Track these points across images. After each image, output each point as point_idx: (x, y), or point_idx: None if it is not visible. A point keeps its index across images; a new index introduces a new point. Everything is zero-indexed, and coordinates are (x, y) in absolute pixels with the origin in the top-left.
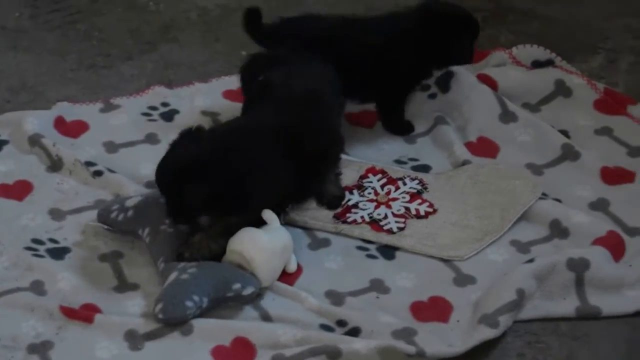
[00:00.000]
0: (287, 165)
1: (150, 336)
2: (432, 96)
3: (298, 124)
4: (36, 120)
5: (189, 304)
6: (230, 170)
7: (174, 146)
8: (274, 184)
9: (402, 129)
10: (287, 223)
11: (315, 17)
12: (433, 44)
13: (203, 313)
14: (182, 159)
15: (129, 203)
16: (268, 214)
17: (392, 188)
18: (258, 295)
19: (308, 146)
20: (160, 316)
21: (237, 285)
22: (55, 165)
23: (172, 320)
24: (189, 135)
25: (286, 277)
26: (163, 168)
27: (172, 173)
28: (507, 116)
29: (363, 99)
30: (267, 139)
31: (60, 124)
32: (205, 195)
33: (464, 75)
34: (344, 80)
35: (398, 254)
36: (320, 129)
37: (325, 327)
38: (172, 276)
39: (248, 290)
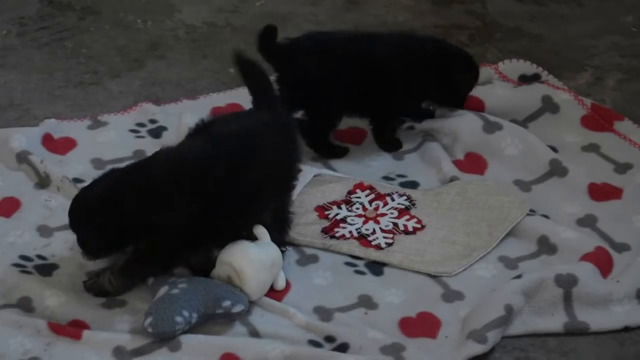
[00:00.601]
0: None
1: (139, 352)
2: (411, 128)
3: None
4: (24, 137)
5: (178, 319)
6: (116, 212)
7: (92, 183)
8: (179, 216)
9: (392, 145)
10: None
11: (330, 33)
12: (441, 76)
13: (191, 329)
14: (82, 198)
15: None
16: (259, 229)
17: (381, 204)
18: (246, 311)
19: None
20: (149, 330)
21: (227, 303)
22: (43, 182)
23: (161, 335)
24: (109, 173)
25: (274, 293)
26: (71, 204)
27: (72, 211)
28: (490, 126)
29: (362, 113)
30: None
31: (48, 141)
32: (93, 236)
33: None
34: (350, 94)
35: (386, 270)
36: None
37: (314, 343)
38: (162, 290)
39: (238, 308)
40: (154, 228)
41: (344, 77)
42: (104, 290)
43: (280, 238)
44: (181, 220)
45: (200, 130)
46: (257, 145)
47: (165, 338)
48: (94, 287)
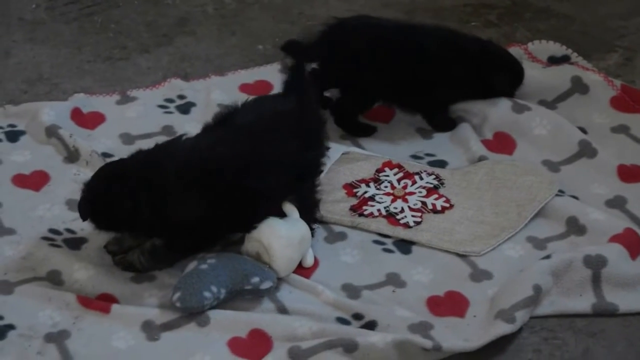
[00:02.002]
0: (199, 193)
1: (167, 327)
2: None
3: (225, 158)
4: (53, 112)
5: (206, 294)
6: (135, 208)
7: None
8: (192, 211)
9: (445, 126)
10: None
11: (378, 19)
12: (482, 75)
13: (220, 304)
14: (112, 170)
15: None
16: (288, 206)
17: (409, 182)
18: (274, 287)
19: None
20: (177, 305)
21: (255, 279)
22: (72, 156)
23: (189, 310)
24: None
25: (303, 270)
26: (98, 173)
27: (99, 181)
28: (519, 106)
29: (403, 104)
30: (194, 167)
31: (77, 116)
32: (121, 210)
33: None
34: (391, 82)
35: (414, 248)
36: (243, 168)
37: (342, 320)
38: (191, 266)
39: (266, 285)
40: (170, 223)
41: (388, 65)
42: (133, 266)
43: (309, 217)
44: (198, 214)
45: (219, 122)
46: (276, 137)
47: (193, 313)
48: (123, 262)
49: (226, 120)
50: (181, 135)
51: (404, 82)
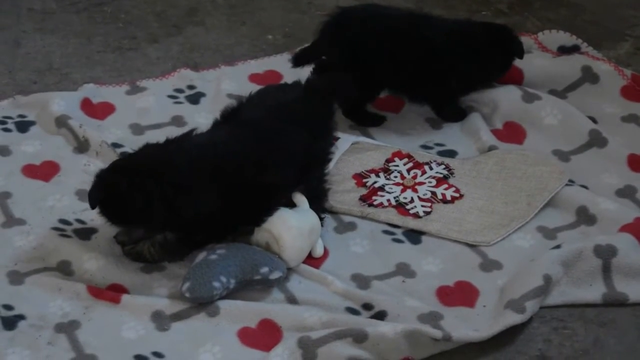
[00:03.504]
0: (221, 192)
1: (177, 317)
2: None
3: (243, 154)
4: (63, 102)
5: (216, 284)
6: (149, 203)
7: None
8: (205, 207)
9: (455, 115)
10: None
11: (386, 8)
12: (493, 58)
13: (229, 294)
14: (124, 164)
15: None
16: (298, 197)
17: (419, 172)
18: (284, 277)
19: (244, 179)
20: (187, 295)
21: (264, 269)
22: (82, 146)
23: (198, 300)
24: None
25: (312, 260)
26: (111, 167)
27: (111, 175)
28: (529, 95)
29: (412, 96)
30: (207, 163)
31: (87, 106)
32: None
33: None
34: (397, 73)
35: (424, 238)
36: (264, 166)
37: (351, 310)
38: (201, 256)
39: (275, 275)
40: (182, 218)
41: (392, 54)
42: (143, 257)
43: (318, 207)
44: (211, 210)
45: (227, 117)
46: (283, 129)
47: (203, 303)
48: (133, 252)
49: (234, 115)
50: (192, 130)
51: (410, 72)
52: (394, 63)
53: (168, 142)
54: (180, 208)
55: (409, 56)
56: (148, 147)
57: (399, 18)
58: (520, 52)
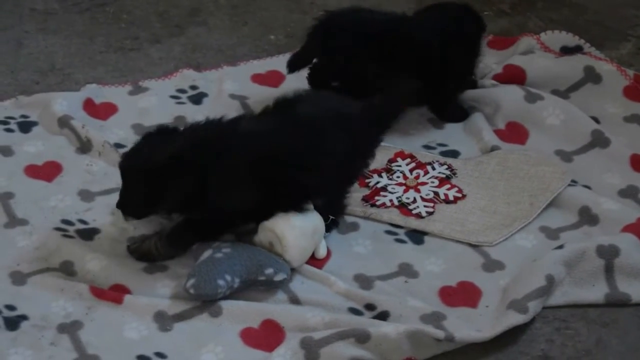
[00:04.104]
0: (254, 182)
1: (180, 317)
2: None
3: (278, 150)
4: (65, 102)
5: (220, 282)
6: (194, 176)
7: (148, 139)
8: (236, 196)
9: (457, 116)
10: None
11: (367, 12)
12: (473, 41)
13: (232, 294)
14: (154, 156)
15: None
16: None
17: (421, 172)
18: (288, 280)
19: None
20: (191, 291)
21: (269, 270)
22: (84, 146)
23: (202, 297)
24: (164, 132)
25: (315, 261)
26: (136, 158)
27: (141, 167)
28: (532, 95)
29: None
30: (241, 152)
31: (89, 106)
32: (176, 194)
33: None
34: (391, 78)
35: (427, 238)
36: (299, 165)
37: (354, 311)
38: (206, 254)
39: (280, 277)
40: (207, 204)
41: (379, 57)
42: (149, 254)
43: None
44: (250, 199)
45: (280, 108)
46: (334, 138)
47: (206, 300)
48: (138, 251)
49: (289, 107)
50: (243, 115)
51: (404, 77)
52: (378, 66)
53: (214, 125)
54: (221, 193)
55: (392, 58)
56: (193, 128)
57: (380, 20)
58: (485, 26)
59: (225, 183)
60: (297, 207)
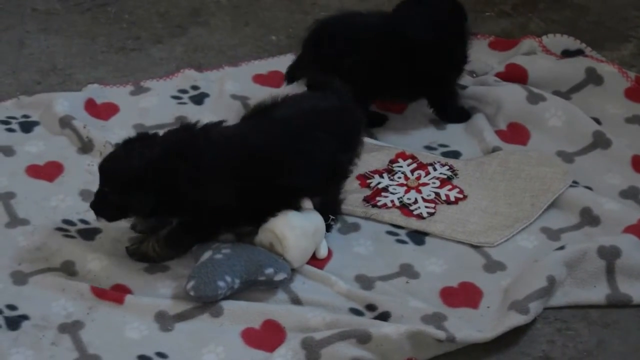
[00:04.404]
0: (227, 179)
1: (181, 317)
2: None
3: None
4: (67, 102)
5: (220, 283)
6: (166, 183)
7: (126, 145)
8: (220, 199)
9: (459, 116)
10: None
11: (358, 15)
12: (462, 28)
13: (233, 295)
14: (129, 163)
15: None
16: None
17: (422, 173)
18: (289, 279)
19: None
20: (191, 293)
21: (269, 270)
22: (85, 146)
23: (203, 299)
24: (143, 139)
25: (316, 261)
26: (113, 164)
27: (119, 173)
28: (534, 96)
29: (410, 97)
30: (229, 156)
31: (91, 106)
32: (144, 203)
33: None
34: (390, 80)
35: (428, 239)
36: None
37: (355, 311)
38: (206, 255)
39: (280, 276)
40: (199, 205)
41: (374, 62)
42: (147, 256)
43: (328, 214)
44: (227, 201)
45: (259, 113)
46: (314, 135)
47: (207, 302)
48: (137, 252)
49: (266, 112)
50: (221, 121)
51: (396, 78)
52: (373, 71)
53: (197, 128)
54: (196, 196)
55: (400, 60)
56: (175, 132)
57: (370, 24)
58: (465, 11)
59: (196, 181)
60: (280, 206)
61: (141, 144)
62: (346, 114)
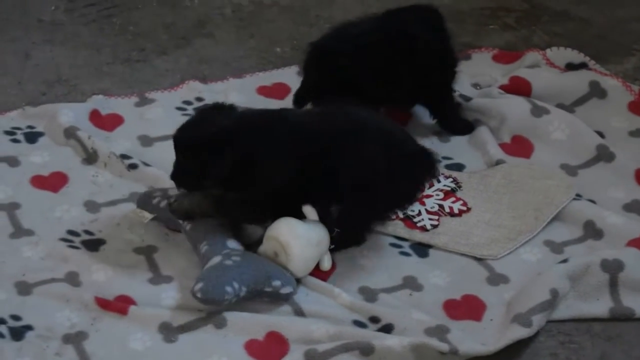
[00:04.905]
0: (304, 168)
1: (184, 328)
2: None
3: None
4: (71, 113)
5: (228, 289)
6: (248, 150)
7: (203, 113)
8: (284, 176)
9: (464, 127)
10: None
11: (353, 27)
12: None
13: (237, 305)
14: (209, 129)
15: (172, 192)
16: (307, 209)
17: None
18: (294, 294)
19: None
20: (198, 295)
21: (277, 282)
22: (90, 157)
23: (209, 302)
24: (219, 109)
25: (320, 273)
26: (188, 131)
27: (196, 139)
28: (538, 109)
29: (411, 100)
30: (297, 137)
31: (96, 117)
32: (221, 169)
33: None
34: (393, 84)
35: (431, 251)
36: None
37: (358, 323)
38: (216, 260)
39: (286, 290)
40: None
41: (372, 73)
42: (191, 211)
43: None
44: (288, 184)
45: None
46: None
47: (213, 305)
48: (180, 208)
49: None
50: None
51: (397, 80)
52: (384, 76)
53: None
54: (265, 172)
55: (398, 62)
56: (256, 111)
57: (374, 28)
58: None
59: (269, 156)
60: (329, 202)
61: (217, 113)
62: (419, 167)
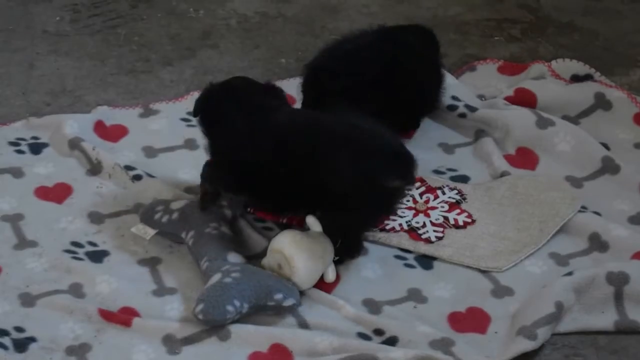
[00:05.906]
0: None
1: (188, 341)
2: (462, 115)
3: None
4: (76, 124)
5: (229, 308)
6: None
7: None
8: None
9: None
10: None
11: (348, 43)
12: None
13: (241, 318)
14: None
15: (175, 206)
16: (311, 220)
17: (431, 197)
18: (298, 305)
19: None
20: (200, 317)
21: (279, 295)
22: (94, 168)
23: (211, 322)
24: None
25: (324, 285)
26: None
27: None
28: (543, 121)
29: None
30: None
31: (100, 128)
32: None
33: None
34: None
35: (436, 263)
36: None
37: (363, 336)
38: (216, 278)
39: (289, 302)
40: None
41: (369, 90)
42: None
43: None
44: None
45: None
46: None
47: (215, 325)
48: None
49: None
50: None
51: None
52: (385, 87)
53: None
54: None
55: (398, 74)
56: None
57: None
58: None
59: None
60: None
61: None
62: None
